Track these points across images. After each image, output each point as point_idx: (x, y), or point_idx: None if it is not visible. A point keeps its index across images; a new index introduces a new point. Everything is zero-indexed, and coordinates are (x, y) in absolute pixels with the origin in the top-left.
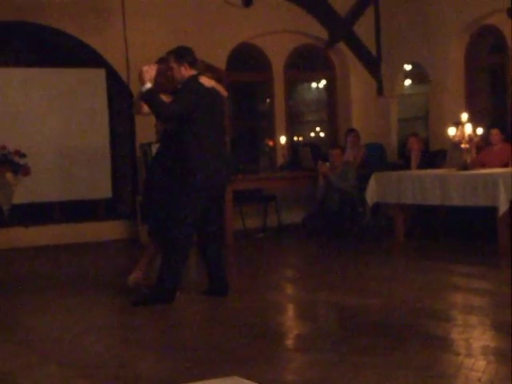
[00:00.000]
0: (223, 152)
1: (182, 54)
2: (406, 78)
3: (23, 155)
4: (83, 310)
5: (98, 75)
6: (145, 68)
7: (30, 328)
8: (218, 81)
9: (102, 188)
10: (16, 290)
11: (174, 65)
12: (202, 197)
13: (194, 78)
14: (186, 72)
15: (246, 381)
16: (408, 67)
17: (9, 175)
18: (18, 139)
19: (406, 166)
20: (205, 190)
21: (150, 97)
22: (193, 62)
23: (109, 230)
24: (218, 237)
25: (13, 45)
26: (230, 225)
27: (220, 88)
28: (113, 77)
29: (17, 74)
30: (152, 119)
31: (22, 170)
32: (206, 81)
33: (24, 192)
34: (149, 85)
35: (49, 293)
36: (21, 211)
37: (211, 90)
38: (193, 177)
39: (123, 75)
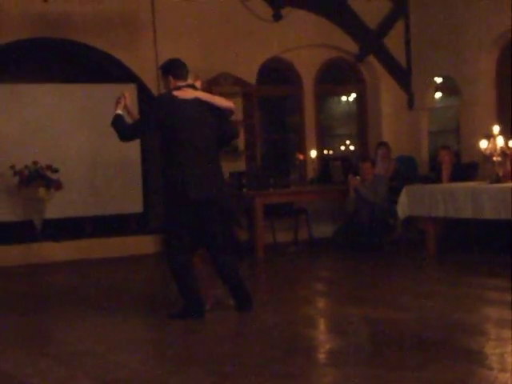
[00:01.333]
0: (209, 163)
1: (167, 68)
2: (437, 90)
3: (55, 170)
4: (115, 325)
5: (129, 90)
6: (117, 98)
7: (61, 342)
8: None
9: (133, 202)
10: (48, 304)
11: (161, 78)
12: (183, 212)
13: (166, 93)
14: (172, 84)
15: None
16: (438, 80)
17: (41, 190)
18: (50, 154)
19: (437, 179)
20: (183, 205)
21: (114, 122)
22: (178, 74)
23: (140, 245)
24: (226, 250)
25: (44, 60)
26: (261, 239)
27: (208, 97)
28: (143, 91)
29: (49, 90)
30: None
31: (54, 185)
32: (182, 93)
33: (56, 207)
34: (118, 112)
35: (80, 307)
36: (53, 226)
37: (189, 102)
38: (170, 192)
39: (154, 90)
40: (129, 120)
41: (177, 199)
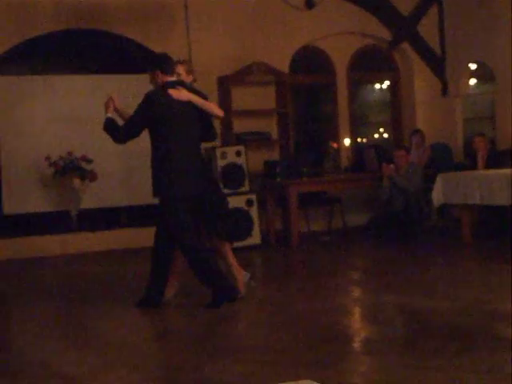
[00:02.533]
0: (195, 163)
1: (154, 62)
2: (471, 77)
3: (90, 161)
4: (149, 315)
5: None
6: (105, 102)
7: (96, 332)
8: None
9: None
10: (83, 294)
11: (149, 73)
12: (183, 205)
13: (157, 90)
14: (160, 79)
15: None
16: (473, 66)
17: (76, 181)
18: (84, 145)
19: (472, 166)
20: (182, 198)
21: (105, 127)
22: (166, 69)
23: None
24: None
25: (78, 52)
26: (295, 227)
27: (200, 102)
28: None
29: (82, 81)
30: (217, 123)
31: (88, 176)
32: (176, 93)
33: (91, 197)
34: (108, 115)
35: (115, 297)
36: (88, 216)
37: (181, 103)
38: (165, 188)
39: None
40: (121, 122)
41: (175, 193)
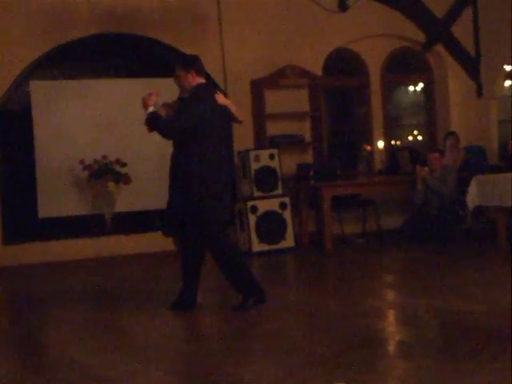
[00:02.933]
0: (224, 167)
1: (189, 62)
2: (506, 78)
3: (124, 164)
4: (182, 318)
5: None
6: (145, 96)
7: (129, 335)
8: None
9: None
10: (117, 297)
11: (181, 73)
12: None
13: (202, 86)
14: (194, 80)
15: None
16: (508, 68)
17: (110, 184)
18: (118, 149)
19: (508, 168)
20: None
21: (152, 120)
22: (200, 70)
23: None
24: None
25: (112, 55)
26: (329, 230)
27: (234, 109)
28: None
29: (116, 85)
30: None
31: (122, 179)
32: (220, 97)
33: (125, 200)
34: (151, 108)
35: (148, 300)
36: (122, 219)
37: (221, 106)
38: (200, 186)
39: (220, 82)
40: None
41: (208, 192)
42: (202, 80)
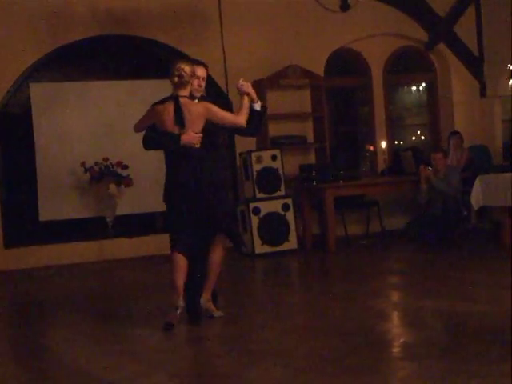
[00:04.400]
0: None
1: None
2: (510, 77)
3: (125, 167)
4: (185, 321)
5: None
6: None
7: (132, 338)
8: None
9: None
10: (119, 300)
11: (204, 75)
12: None
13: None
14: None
15: None
16: None
17: (112, 187)
18: (119, 151)
19: None
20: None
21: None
22: None
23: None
24: None
25: (113, 57)
26: (332, 231)
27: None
28: (211, 86)
29: (117, 86)
30: None
31: (124, 182)
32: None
33: (127, 203)
34: (259, 102)
35: (151, 303)
36: (124, 222)
37: None
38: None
39: (221, 84)
40: None
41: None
42: None
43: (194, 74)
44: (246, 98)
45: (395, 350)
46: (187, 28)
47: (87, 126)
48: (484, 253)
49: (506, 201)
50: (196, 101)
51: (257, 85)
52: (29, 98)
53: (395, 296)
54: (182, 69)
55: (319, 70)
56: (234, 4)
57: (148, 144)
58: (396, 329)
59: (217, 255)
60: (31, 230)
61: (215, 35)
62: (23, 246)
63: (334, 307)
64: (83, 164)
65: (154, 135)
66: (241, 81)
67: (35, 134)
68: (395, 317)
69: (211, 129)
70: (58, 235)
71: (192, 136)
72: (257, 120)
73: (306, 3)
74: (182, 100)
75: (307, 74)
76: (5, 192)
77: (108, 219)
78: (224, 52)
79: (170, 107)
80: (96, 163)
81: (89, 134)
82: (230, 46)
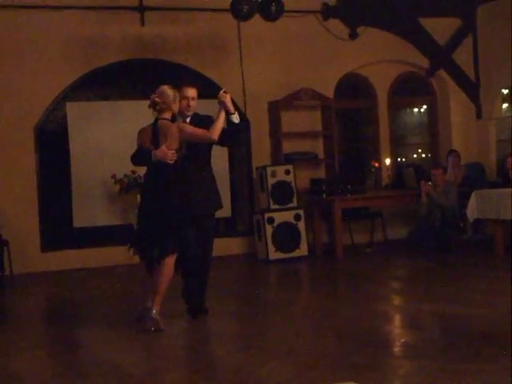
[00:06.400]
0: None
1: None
2: (504, 101)
3: None
4: (203, 318)
5: (215, 105)
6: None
7: (153, 336)
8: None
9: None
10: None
11: (194, 95)
12: None
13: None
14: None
15: None
16: (505, 91)
17: (139, 197)
18: None
19: (505, 184)
20: None
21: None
22: None
23: (229, 246)
24: None
25: (141, 79)
26: (340, 240)
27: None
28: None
29: (144, 106)
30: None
31: None
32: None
33: None
34: (237, 115)
35: (171, 302)
36: None
37: None
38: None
39: (241, 105)
40: None
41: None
42: None
43: (178, 97)
44: (222, 110)
45: (396, 349)
46: (210, 54)
47: (118, 142)
48: (478, 261)
49: (499, 214)
50: (188, 120)
51: (272, 106)
52: (65, 116)
53: (397, 300)
54: (163, 93)
55: (329, 92)
56: (252, 33)
57: (132, 159)
58: (397, 330)
59: (164, 272)
60: (66, 235)
61: (235, 61)
62: (58, 249)
63: (341, 309)
64: (113, 176)
65: (135, 152)
66: (221, 92)
67: (71, 149)
68: (397, 319)
69: (196, 145)
70: (90, 240)
71: (164, 152)
72: (233, 131)
73: (317, 32)
74: (159, 122)
75: (318, 96)
76: (43, 200)
77: (135, 226)
78: (243, 76)
79: (148, 129)
80: (125, 175)
81: (119, 149)
82: (248, 71)
